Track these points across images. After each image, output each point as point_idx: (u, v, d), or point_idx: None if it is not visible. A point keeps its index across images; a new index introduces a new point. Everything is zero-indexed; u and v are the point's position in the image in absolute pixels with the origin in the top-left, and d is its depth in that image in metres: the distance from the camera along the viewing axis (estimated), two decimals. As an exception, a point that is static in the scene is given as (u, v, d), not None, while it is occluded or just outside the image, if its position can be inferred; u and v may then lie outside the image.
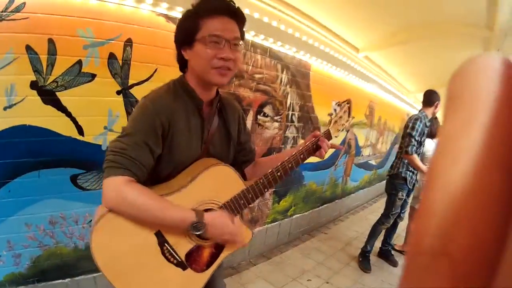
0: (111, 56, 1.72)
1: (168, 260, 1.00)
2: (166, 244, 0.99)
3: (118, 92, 1.80)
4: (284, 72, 2.63)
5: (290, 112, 2.85)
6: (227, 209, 1.05)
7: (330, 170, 3.77)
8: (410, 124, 2.63)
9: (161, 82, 1.78)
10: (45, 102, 1.59)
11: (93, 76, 1.69)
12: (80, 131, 1.72)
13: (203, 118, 1.04)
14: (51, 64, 1.56)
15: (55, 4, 1.51)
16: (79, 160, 1.74)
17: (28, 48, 1.49)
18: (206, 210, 1.00)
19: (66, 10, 1.55)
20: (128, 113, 1.85)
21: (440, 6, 2.72)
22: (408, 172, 2.74)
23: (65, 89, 1.63)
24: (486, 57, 0.18)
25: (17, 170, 1.58)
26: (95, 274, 1.87)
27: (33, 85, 1.54)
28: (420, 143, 2.67)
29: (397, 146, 4.22)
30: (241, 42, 0.99)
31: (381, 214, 2.89)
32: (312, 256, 2.95)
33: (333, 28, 2.98)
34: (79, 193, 1.77)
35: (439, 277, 0.15)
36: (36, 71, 1.53)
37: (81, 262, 1.84)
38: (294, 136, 2.98)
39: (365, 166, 4.90)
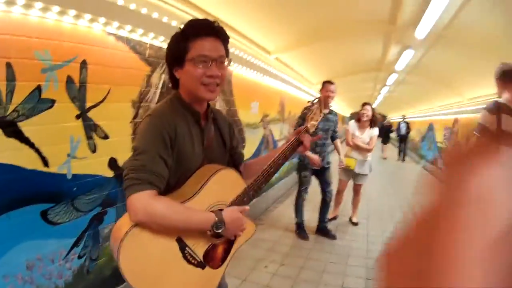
0: (69, 79, 1.65)
1: (189, 262, 1.08)
2: (186, 248, 1.07)
3: (77, 116, 1.73)
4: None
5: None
6: None
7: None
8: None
9: (115, 102, 1.89)
10: (7, 134, 1.42)
11: (53, 102, 1.59)
12: (45, 162, 1.58)
13: (201, 128, 1.17)
14: (10, 92, 1.41)
15: (11, 24, 1.38)
16: (47, 193, 1.61)
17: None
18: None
19: (23, 30, 1.43)
20: (88, 137, 1.79)
21: (347, 7, 3.41)
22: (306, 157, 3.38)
23: (26, 118, 1.49)
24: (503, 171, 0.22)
25: (-15, 217, 1.37)
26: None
27: (-6, 117, 1.36)
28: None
29: None
30: (226, 59, 1.11)
31: (296, 191, 3.65)
32: (259, 245, 3.27)
33: (248, 34, 3.38)
34: (51, 229, 1.64)
35: None
36: (-4, 100, 1.35)
37: (64, 303, 1.71)
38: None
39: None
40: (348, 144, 4.09)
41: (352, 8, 3.55)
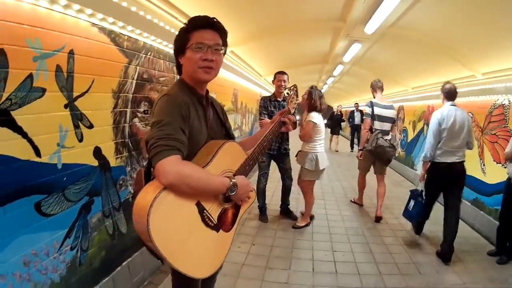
0: (58, 69, 1.65)
1: (207, 224, 1.21)
2: (205, 211, 1.20)
3: (65, 106, 1.73)
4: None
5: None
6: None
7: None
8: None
9: (99, 93, 1.97)
10: (0, 124, 1.39)
11: (44, 90, 1.58)
12: (37, 152, 1.57)
13: (204, 108, 1.33)
14: (3, 79, 1.38)
15: (4, 9, 1.35)
16: (40, 184, 1.59)
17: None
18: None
19: (15, 16, 1.40)
20: (76, 126, 1.80)
21: (301, 5, 3.65)
22: None
23: (19, 107, 1.46)
24: None
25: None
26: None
27: (-13, 105, 1.33)
28: (269, 115, 3.57)
29: (257, 124, 5.03)
30: (222, 48, 1.29)
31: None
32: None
33: None
34: (44, 221, 1.62)
35: None
36: (-11, 88, 1.33)
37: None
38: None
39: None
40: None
41: (306, 6, 3.85)
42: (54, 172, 1.67)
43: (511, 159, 3.07)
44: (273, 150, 3.72)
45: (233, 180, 1.23)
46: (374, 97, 4.38)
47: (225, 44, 1.32)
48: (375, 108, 4.18)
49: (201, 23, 1.26)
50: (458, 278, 2.86)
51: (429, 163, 3.30)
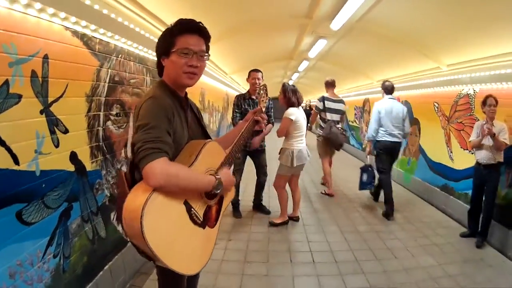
0: (33, 74, 1.61)
1: (195, 222, 1.26)
2: (192, 209, 1.24)
3: (41, 112, 1.69)
4: (148, 74, 2.98)
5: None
6: None
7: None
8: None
9: (73, 97, 1.98)
10: (-21, 133, 1.36)
11: (20, 97, 1.54)
12: (15, 160, 1.53)
13: (185, 110, 1.37)
14: (-20, 87, 1.35)
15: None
16: (20, 192, 1.56)
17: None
18: None
19: (-7, 22, 1.37)
20: (52, 132, 1.77)
21: (268, 4, 3.72)
22: None
23: (-4, 114, 1.43)
24: None
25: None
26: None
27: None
28: (242, 113, 3.66)
29: (224, 122, 5.03)
30: (206, 55, 1.33)
31: None
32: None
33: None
34: (27, 230, 1.59)
35: None
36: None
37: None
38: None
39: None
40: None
41: (273, 4, 3.94)
42: (33, 179, 1.64)
43: (477, 147, 3.36)
44: (248, 146, 3.69)
45: (218, 177, 1.31)
46: (327, 92, 5.21)
47: (208, 50, 1.36)
48: (326, 102, 5.04)
49: (189, 28, 1.28)
50: (434, 260, 3.04)
51: (373, 142, 4.35)
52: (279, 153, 3.67)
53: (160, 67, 1.35)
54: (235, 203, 4.04)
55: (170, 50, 1.26)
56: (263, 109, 1.84)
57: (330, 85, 5.19)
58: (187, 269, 1.24)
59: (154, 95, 1.24)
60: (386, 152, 4.20)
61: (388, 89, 4.32)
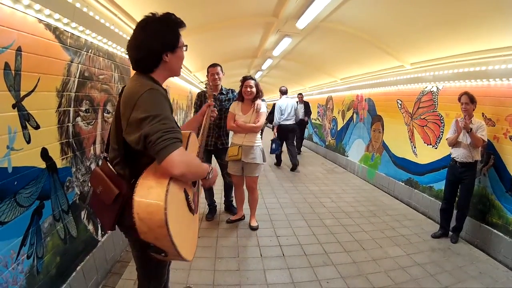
0: (6, 67, 1.55)
1: (190, 209, 1.38)
2: (188, 197, 1.35)
3: (13, 106, 1.63)
4: (116, 70, 2.90)
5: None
6: None
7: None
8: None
9: (44, 91, 1.96)
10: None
11: (-8, 90, 1.49)
12: (-13, 156, 1.47)
13: (169, 101, 1.38)
14: (-48, 81, 1.29)
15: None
16: (-8, 190, 1.50)
17: None
18: None
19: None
20: (23, 127, 1.70)
21: (234, 2, 3.74)
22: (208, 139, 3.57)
23: (-31, 108, 1.37)
24: None
25: None
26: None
27: None
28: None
29: (187, 119, 4.80)
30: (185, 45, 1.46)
31: None
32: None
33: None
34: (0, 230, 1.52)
35: None
36: None
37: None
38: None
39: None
40: (229, 127, 3.47)
41: (239, 2, 3.98)
42: (5, 176, 1.57)
43: (453, 144, 3.40)
44: (209, 145, 3.66)
45: (211, 167, 1.45)
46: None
47: None
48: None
49: (183, 23, 1.36)
50: (401, 250, 3.22)
51: (277, 125, 6.83)
52: (236, 154, 3.37)
53: (153, 63, 1.33)
54: (208, 204, 3.97)
55: (177, 45, 1.33)
56: (212, 103, 2.00)
57: (283, 92, 7.06)
58: (191, 255, 1.33)
59: (152, 86, 1.24)
60: (285, 130, 6.82)
61: (284, 92, 7.02)
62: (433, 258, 3.12)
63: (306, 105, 8.90)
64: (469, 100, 3.25)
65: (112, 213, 1.30)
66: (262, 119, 3.41)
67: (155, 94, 1.23)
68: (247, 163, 3.40)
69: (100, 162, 2.57)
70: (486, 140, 3.29)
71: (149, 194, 1.12)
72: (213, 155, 3.84)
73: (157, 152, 1.13)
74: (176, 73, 1.42)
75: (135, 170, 1.26)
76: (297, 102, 8.21)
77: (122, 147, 1.29)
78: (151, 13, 1.33)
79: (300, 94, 9.12)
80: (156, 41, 1.29)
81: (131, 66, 1.42)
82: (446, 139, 3.57)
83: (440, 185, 4.25)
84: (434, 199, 4.34)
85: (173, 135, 1.16)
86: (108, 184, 1.29)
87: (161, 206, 1.08)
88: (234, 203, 4.06)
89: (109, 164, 1.38)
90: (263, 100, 3.58)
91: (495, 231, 3.32)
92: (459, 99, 3.33)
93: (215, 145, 3.69)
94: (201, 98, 3.71)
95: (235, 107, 3.46)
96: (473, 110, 3.31)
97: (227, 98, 3.70)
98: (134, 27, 1.37)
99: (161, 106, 1.21)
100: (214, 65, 3.53)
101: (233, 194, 3.99)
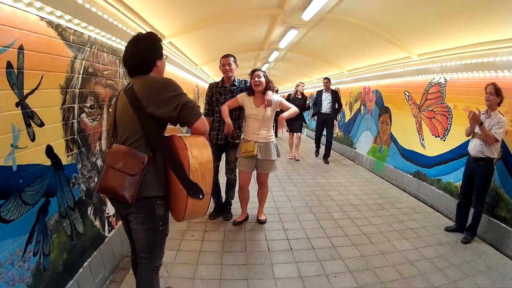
0: (9, 65, 1.55)
1: None
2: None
3: (17, 104, 1.63)
4: (120, 66, 2.89)
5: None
6: None
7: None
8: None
9: (48, 89, 1.95)
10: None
11: (-5, 89, 1.48)
12: (-8, 155, 1.48)
13: None
14: (-46, 80, 1.29)
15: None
16: (-3, 189, 1.51)
17: None
18: None
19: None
20: (27, 125, 1.71)
21: None
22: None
23: (-28, 108, 1.37)
24: None
25: None
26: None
27: None
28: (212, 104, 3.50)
29: None
30: None
31: None
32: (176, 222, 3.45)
33: (147, 18, 3.27)
34: (6, 228, 1.53)
35: None
36: None
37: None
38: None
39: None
40: (223, 110, 3.28)
41: None
42: (10, 175, 1.58)
43: (469, 135, 3.30)
44: (220, 139, 3.43)
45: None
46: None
47: None
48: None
49: (161, 39, 1.78)
50: (409, 244, 3.20)
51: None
52: (252, 150, 3.20)
53: (150, 67, 1.67)
54: (216, 203, 3.79)
55: (162, 54, 1.73)
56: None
57: (275, 91, 6.81)
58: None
59: (168, 79, 1.64)
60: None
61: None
62: (441, 252, 3.10)
63: (337, 97, 7.02)
64: (494, 90, 3.06)
65: (134, 184, 1.50)
66: (289, 104, 3.41)
67: (174, 82, 1.61)
68: (262, 160, 3.27)
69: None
70: (500, 140, 3.09)
71: (203, 155, 1.54)
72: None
73: (194, 114, 1.56)
74: (162, 75, 1.76)
75: (154, 142, 1.56)
76: (326, 90, 6.91)
77: (142, 127, 1.55)
78: (139, 32, 1.72)
79: (326, 78, 7.03)
80: (151, 51, 1.66)
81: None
82: (466, 129, 3.44)
83: (448, 178, 4.20)
84: (443, 192, 4.28)
85: (198, 107, 1.61)
86: (132, 156, 1.52)
87: (208, 145, 1.58)
88: (231, 205, 3.85)
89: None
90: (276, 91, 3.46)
91: (503, 225, 3.27)
92: (486, 88, 3.15)
93: (225, 139, 3.43)
94: (212, 89, 3.50)
95: (245, 99, 3.29)
96: (497, 103, 3.11)
97: (239, 89, 3.49)
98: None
99: (180, 90, 1.60)
100: (226, 56, 3.36)
101: (232, 195, 3.79)
